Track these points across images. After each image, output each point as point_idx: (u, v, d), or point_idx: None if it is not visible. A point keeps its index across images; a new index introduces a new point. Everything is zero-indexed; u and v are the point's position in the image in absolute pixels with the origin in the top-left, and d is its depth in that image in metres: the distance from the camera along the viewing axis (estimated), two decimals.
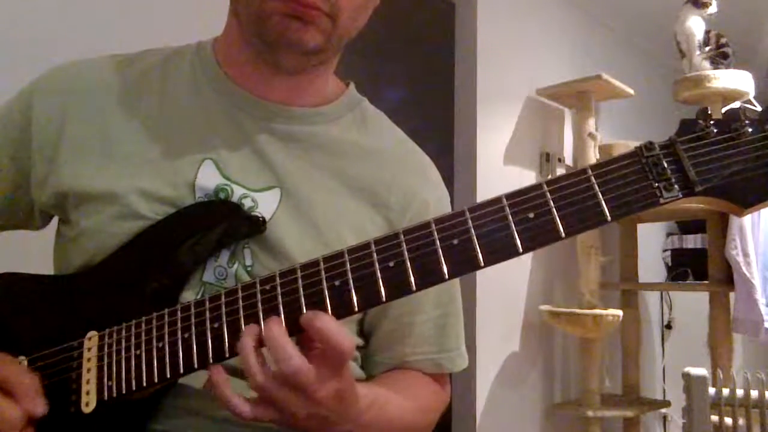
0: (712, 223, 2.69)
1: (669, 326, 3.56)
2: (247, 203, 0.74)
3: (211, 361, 0.62)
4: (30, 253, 0.93)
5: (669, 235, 3.52)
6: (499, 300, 2.58)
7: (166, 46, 0.86)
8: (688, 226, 3.41)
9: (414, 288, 0.58)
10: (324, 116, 0.81)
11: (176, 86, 0.80)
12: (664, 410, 3.00)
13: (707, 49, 2.66)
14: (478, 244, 0.57)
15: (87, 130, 0.77)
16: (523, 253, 0.56)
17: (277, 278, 0.61)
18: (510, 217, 0.57)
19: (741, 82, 2.57)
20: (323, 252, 0.61)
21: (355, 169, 0.80)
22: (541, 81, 2.82)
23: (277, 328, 0.58)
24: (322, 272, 0.60)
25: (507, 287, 2.63)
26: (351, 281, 0.59)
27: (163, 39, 0.91)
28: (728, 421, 1.69)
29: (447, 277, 0.57)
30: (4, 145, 0.79)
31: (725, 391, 1.70)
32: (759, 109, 0.56)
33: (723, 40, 2.67)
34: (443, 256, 0.57)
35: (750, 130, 0.55)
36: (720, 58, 2.65)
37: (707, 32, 2.66)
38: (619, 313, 2.48)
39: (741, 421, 1.69)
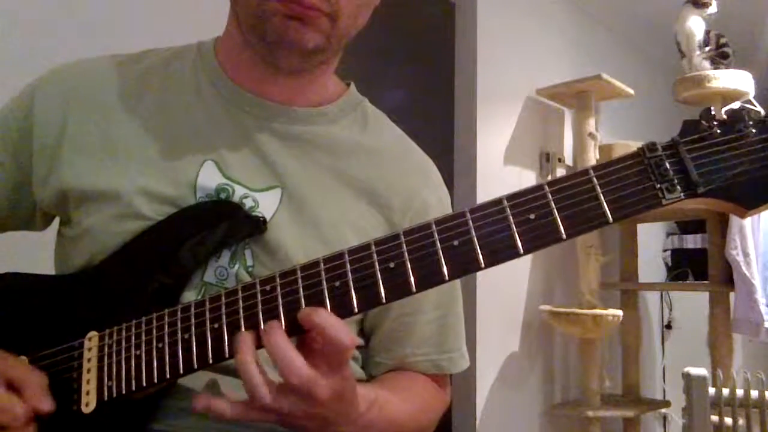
0: (712, 223, 2.69)
1: (669, 326, 3.56)
2: (248, 203, 0.74)
3: (211, 361, 0.62)
4: (31, 253, 0.93)
5: (669, 235, 3.52)
6: (499, 300, 2.58)
7: (166, 46, 0.86)
8: (688, 226, 3.41)
9: (414, 289, 0.58)
10: (325, 116, 0.81)
11: (177, 86, 0.80)
12: (664, 410, 2.99)
13: (707, 49, 2.65)
14: (479, 245, 0.57)
15: (88, 129, 0.77)
16: (524, 254, 0.56)
17: (277, 279, 0.61)
18: (511, 218, 0.57)
19: (741, 82, 2.57)
20: (324, 252, 0.61)
21: (355, 169, 0.80)
22: (541, 81, 2.82)
23: (280, 338, 0.58)
24: (323, 273, 0.60)
25: (507, 287, 2.63)
26: (351, 282, 0.59)
27: (163, 39, 0.91)
28: (728, 421, 1.69)
29: (447, 278, 0.57)
30: (6, 145, 0.80)
31: (725, 391, 1.70)
32: (759, 108, 0.55)
33: (723, 40, 2.67)
34: (444, 258, 0.57)
35: (754, 131, 0.55)
36: (720, 58, 2.64)
37: (707, 32, 2.66)
38: (619, 313, 2.48)
39: (741, 421, 1.69)
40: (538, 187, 0.57)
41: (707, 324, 2.61)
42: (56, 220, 0.84)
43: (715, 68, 2.62)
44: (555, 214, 0.56)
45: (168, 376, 0.63)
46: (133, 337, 0.66)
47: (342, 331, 0.57)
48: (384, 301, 0.59)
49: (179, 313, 0.65)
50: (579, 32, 3.16)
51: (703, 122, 0.56)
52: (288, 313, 0.60)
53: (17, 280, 0.77)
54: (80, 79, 0.80)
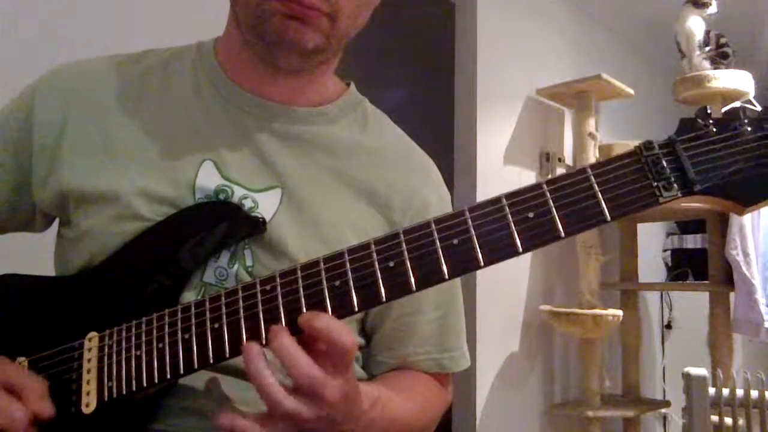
0: (712, 223, 2.69)
1: (669, 326, 3.56)
2: (247, 204, 0.74)
3: (211, 361, 0.62)
4: (30, 254, 0.93)
5: (669, 235, 3.52)
6: (499, 300, 2.58)
7: (166, 46, 0.86)
8: (688, 226, 3.41)
9: (414, 288, 0.58)
10: (325, 116, 0.82)
11: (177, 86, 0.80)
12: (664, 410, 2.99)
13: (707, 49, 2.65)
14: (478, 243, 0.57)
15: (88, 130, 0.77)
16: (522, 252, 0.56)
17: (278, 278, 0.61)
18: (510, 216, 0.57)
19: (741, 82, 2.57)
20: (324, 252, 0.61)
21: (355, 169, 0.80)
22: (541, 81, 2.82)
23: (287, 339, 0.57)
24: (323, 272, 0.60)
25: (507, 287, 2.63)
26: (351, 281, 0.59)
27: (163, 39, 0.91)
28: (728, 421, 1.69)
29: (447, 277, 0.57)
30: (5, 146, 0.80)
31: (725, 391, 1.70)
32: (759, 108, 0.55)
33: (723, 40, 2.67)
34: (443, 256, 0.57)
35: (749, 129, 0.55)
36: (720, 58, 2.64)
37: (707, 32, 2.66)
38: (619, 313, 2.48)
39: (741, 421, 1.69)
40: (537, 186, 0.57)
41: (707, 324, 2.61)
42: (56, 222, 0.84)
43: (715, 68, 2.62)
44: (553, 212, 0.56)
45: (168, 376, 0.63)
46: (133, 338, 0.66)
47: (345, 333, 0.57)
48: (384, 300, 0.59)
49: (179, 313, 0.65)
50: (579, 32, 3.16)
51: (700, 121, 0.56)
52: (288, 313, 0.60)
53: (17, 281, 0.77)
54: (80, 79, 0.80)
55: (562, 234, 0.56)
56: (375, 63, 2.27)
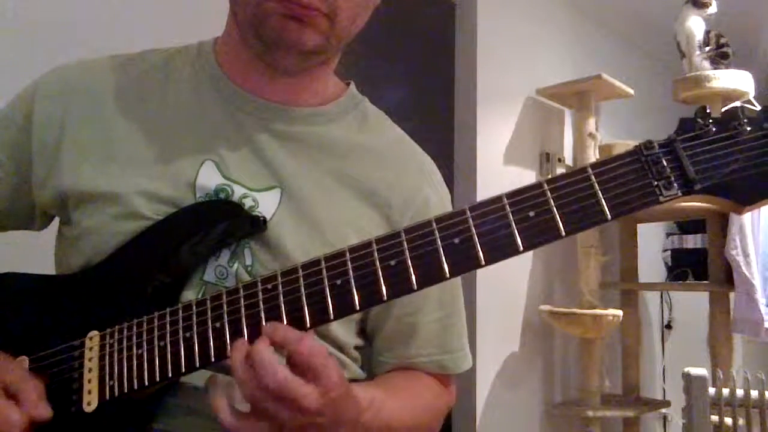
0: (712, 223, 2.69)
1: (669, 326, 3.55)
2: (248, 203, 0.74)
3: (212, 360, 0.62)
4: (31, 253, 0.93)
5: (669, 235, 3.52)
6: (499, 300, 2.58)
7: (166, 46, 0.86)
8: (687, 226, 3.41)
9: (415, 287, 0.58)
10: (324, 116, 0.82)
11: (177, 86, 0.80)
12: (664, 410, 2.99)
13: (707, 49, 2.65)
14: (479, 242, 0.57)
15: (88, 130, 0.77)
16: (523, 251, 0.57)
17: (279, 277, 0.62)
18: (510, 215, 0.57)
19: (741, 82, 2.57)
20: (323, 252, 0.61)
21: (355, 169, 0.80)
22: (541, 81, 2.82)
23: (262, 345, 0.58)
24: (324, 271, 0.60)
25: (507, 287, 2.63)
26: (352, 280, 0.59)
27: (163, 39, 0.91)
28: (728, 421, 1.69)
29: (448, 275, 0.58)
30: (5, 146, 0.80)
31: (725, 391, 1.70)
32: (758, 108, 0.56)
33: (723, 40, 2.67)
34: (444, 255, 0.58)
35: (749, 128, 0.55)
36: (720, 58, 2.64)
37: (707, 32, 2.66)
38: (619, 313, 2.48)
39: (741, 421, 1.69)
40: (537, 185, 0.58)
41: (707, 324, 2.61)
42: (56, 220, 0.84)
43: (715, 68, 2.62)
44: (554, 211, 0.56)
45: (170, 374, 0.63)
46: (134, 337, 0.66)
47: (304, 342, 0.57)
48: (385, 298, 0.59)
49: (180, 312, 0.65)
50: (579, 32, 3.16)
51: (699, 120, 0.56)
52: (290, 312, 0.60)
53: (18, 280, 0.78)
54: (80, 79, 0.80)
55: (563, 233, 0.56)
56: (375, 63, 2.27)
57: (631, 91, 2.78)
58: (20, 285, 0.77)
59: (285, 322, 0.60)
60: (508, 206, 0.57)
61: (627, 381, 2.91)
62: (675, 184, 0.55)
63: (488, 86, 2.63)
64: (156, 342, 0.65)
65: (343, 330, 0.78)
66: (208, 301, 0.64)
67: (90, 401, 0.66)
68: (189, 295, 0.72)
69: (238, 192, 0.74)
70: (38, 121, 0.78)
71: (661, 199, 0.55)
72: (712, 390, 1.68)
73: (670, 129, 0.58)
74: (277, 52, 0.73)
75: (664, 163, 0.56)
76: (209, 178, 0.74)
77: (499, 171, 2.66)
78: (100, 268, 0.73)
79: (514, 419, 2.65)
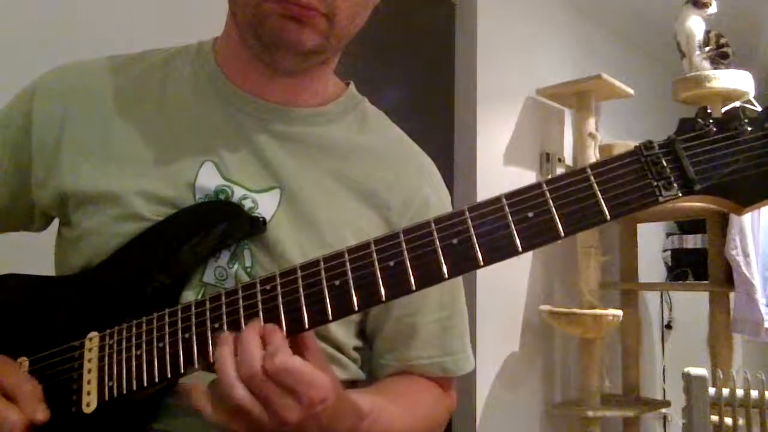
0: (712, 223, 2.69)
1: (669, 326, 3.56)
2: (247, 204, 0.74)
3: (212, 361, 0.62)
4: (31, 254, 0.93)
5: (669, 235, 3.52)
6: (499, 300, 2.58)
7: (166, 46, 0.86)
8: (688, 226, 3.41)
9: (414, 288, 0.58)
10: (324, 116, 0.81)
11: (176, 87, 0.80)
12: (664, 410, 2.99)
13: (707, 49, 2.65)
14: (478, 243, 0.57)
15: (87, 131, 0.77)
16: (522, 252, 0.56)
17: (278, 278, 0.62)
18: (509, 216, 0.57)
19: (741, 82, 2.57)
20: (322, 253, 0.61)
21: (355, 170, 0.80)
22: (541, 81, 2.82)
23: (250, 331, 0.58)
24: (322, 272, 0.60)
25: (507, 287, 2.63)
26: (351, 281, 0.59)
27: (163, 39, 0.91)
28: (728, 421, 1.69)
29: (447, 276, 0.57)
30: (4, 146, 0.80)
31: (725, 391, 1.70)
32: (759, 108, 0.55)
33: (723, 40, 2.67)
34: (443, 256, 0.57)
35: (749, 128, 0.55)
36: (720, 58, 2.64)
37: (707, 32, 2.66)
38: (619, 313, 2.48)
39: (741, 421, 1.69)
40: (537, 186, 0.57)
41: (707, 324, 2.61)
42: (55, 221, 0.84)
43: (715, 68, 2.62)
44: (553, 212, 0.56)
45: (169, 375, 0.63)
46: (133, 337, 0.66)
47: (274, 354, 0.56)
48: (384, 299, 0.58)
49: (180, 312, 0.65)
50: (579, 32, 3.16)
51: (700, 120, 0.56)
52: (288, 313, 0.60)
53: (17, 281, 0.77)
54: (79, 79, 0.80)
55: (562, 233, 0.56)
56: (375, 63, 2.27)
57: (631, 91, 2.78)
58: (20, 286, 0.77)
59: (284, 323, 0.59)
60: (506, 207, 0.57)
61: (627, 381, 2.91)
62: (675, 185, 0.55)
63: (488, 86, 2.63)
64: (155, 343, 0.65)
65: (343, 331, 0.78)
66: (207, 302, 0.64)
67: (89, 402, 0.66)
68: (188, 296, 0.71)
69: (237, 193, 0.74)
70: (38, 120, 0.78)
71: (661, 199, 0.55)
72: (712, 390, 1.69)
73: (670, 129, 0.58)
74: (277, 52, 0.73)
75: (664, 163, 0.55)
76: (209, 179, 0.74)
77: (499, 171, 2.66)
78: (100, 269, 0.73)
79: (514, 419, 2.65)
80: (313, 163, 0.78)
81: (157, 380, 0.64)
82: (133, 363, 0.65)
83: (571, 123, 2.94)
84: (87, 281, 0.74)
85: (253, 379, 0.56)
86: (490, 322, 2.51)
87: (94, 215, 0.74)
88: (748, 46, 3.34)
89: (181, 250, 0.71)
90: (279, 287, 0.61)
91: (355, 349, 0.82)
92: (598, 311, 2.48)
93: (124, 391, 0.65)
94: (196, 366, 0.62)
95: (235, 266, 0.73)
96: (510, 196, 0.58)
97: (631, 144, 0.57)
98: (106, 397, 0.66)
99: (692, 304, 3.09)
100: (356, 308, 0.59)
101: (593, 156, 2.66)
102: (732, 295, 2.58)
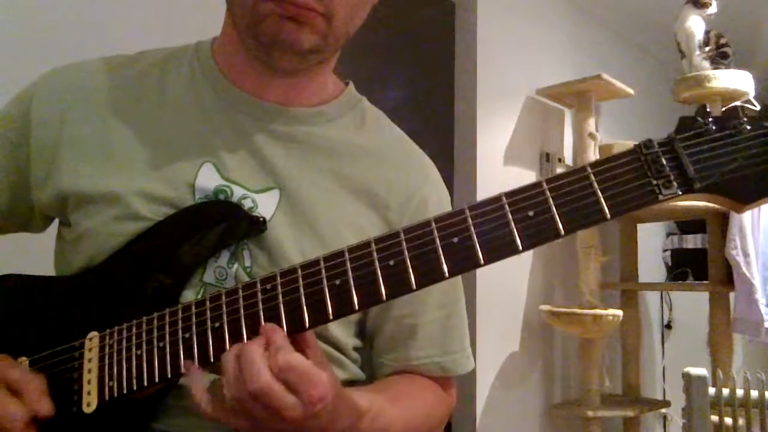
0: (712, 223, 2.69)
1: (669, 326, 3.56)
2: (247, 203, 0.74)
3: (211, 360, 0.62)
4: (31, 254, 0.93)
5: (669, 235, 3.52)
6: (499, 300, 2.58)
7: (166, 46, 0.86)
8: (688, 226, 3.41)
9: (414, 287, 0.58)
10: (323, 116, 0.81)
11: (175, 87, 0.80)
12: (664, 410, 2.99)
13: (707, 49, 2.66)
14: (478, 242, 0.57)
15: (86, 131, 0.77)
16: (522, 251, 0.56)
17: (278, 278, 0.61)
18: (510, 215, 0.57)
19: (741, 82, 2.57)
20: (321, 253, 0.61)
21: (354, 170, 0.80)
22: (541, 81, 2.82)
23: (253, 345, 0.58)
24: (323, 271, 0.60)
25: (507, 287, 2.63)
26: (351, 280, 0.59)
27: (163, 39, 0.91)
28: (728, 421, 1.69)
29: (447, 275, 0.57)
30: (3, 147, 0.79)
31: (725, 391, 1.70)
32: (758, 108, 0.56)
33: (723, 40, 2.67)
34: (443, 255, 0.57)
35: (748, 127, 0.55)
36: (720, 58, 2.65)
37: (707, 32, 2.66)
38: (619, 313, 2.48)
39: (741, 421, 1.69)
40: (537, 185, 0.57)
41: (707, 324, 2.61)
42: (55, 222, 0.84)
43: (715, 68, 2.62)
44: (553, 210, 0.56)
45: (169, 375, 0.63)
46: (133, 337, 0.66)
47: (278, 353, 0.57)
48: (384, 298, 0.58)
49: (180, 312, 0.65)
50: (579, 32, 3.16)
51: (699, 119, 0.56)
52: (289, 312, 0.60)
53: (18, 281, 0.78)
54: (78, 80, 0.80)
55: (562, 232, 0.56)
56: (375, 63, 2.27)
57: (631, 91, 2.79)
58: (21, 286, 0.77)
59: (284, 323, 0.59)
60: (507, 206, 0.57)
61: (627, 381, 2.91)
62: (674, 183, 0.55)
63: (488, 86, 2.63)
64: (155, 343, 0.65)
65: (342, 331, 0.78)
66: (207, 302, 0.64)
67: (89, 402, 0.66)
68: (189, 296, 0.71)
69: (237, 193, 0.74)
70: (36, 122, 0.78)
71: (661, 198, 0.55)
72: (712, 390, 1.68)
73: (670, 129, 0.58)
74: (275, 52, 0.73)
75: (664, 162, 0.55)
76: (208, 180, 0.74)
77: (499, 171, 2.66)
78: (100, 269, 0.73)
79: (514, 419, 2.65)
80: (312, 163, 0.78)
81: (157, 380, 0.64)
82: (133, 363, 0.65)
83: (571, 123, 2.94)
84: (87, 281, 0.74)
85: (261, 393, 0.56)
86: (490, 322, 2.51)
87: (94, 215, 0.74)
88: (748, 46, 3.34)
89: (181, 250, 0.71)
90: (279, 287, 0.61)
91: (355, 348, 0.82)
92: (598, 311, 2.48)
93: (124, 391, 0.65)
94: (196, 366, 0.62)
95: (235, 266, 0.73)
96: (510, 195, 0.58)
97: (631, 144, 0.57)
98: (107, 397, 0.66)
99: (692, 304, 3.10)
100: (357, 307, 0.59)
101: (593, 156, 2.66)
102: (732, 295, 2.58)
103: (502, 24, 2.73)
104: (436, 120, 2.63)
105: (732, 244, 2.51)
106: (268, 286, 0.62)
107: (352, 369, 0.81)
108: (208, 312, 0.63)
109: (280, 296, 0.61)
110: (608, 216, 0.55)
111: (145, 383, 0.64)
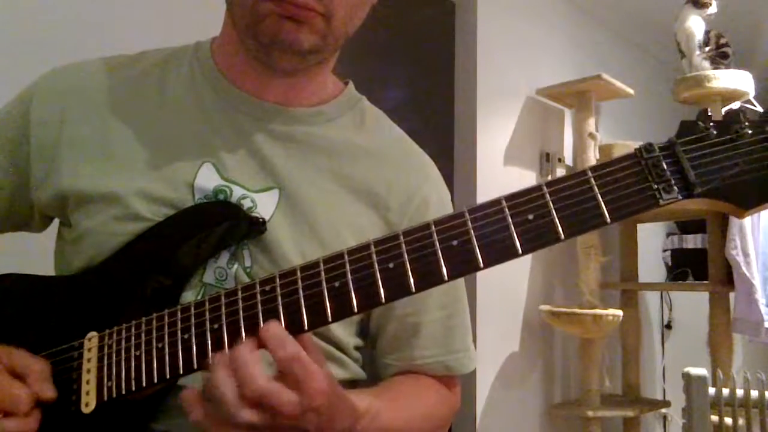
0: (712, 223, 2.69)
1: (669, 326, 3.56)
2: (246, 204, 0.74)
3: (211, 361, 0.61)
4: (31, 254, 0.93)
5: (669, 235, 3.52)
6: (499, 300, 2.58)
7: (166, 46, 0.86)
8: (688, 226, 3.40)
9: (413, 289, 0.58)
10: (323, 116, 0.81)
11: (175, 87, 0.80)
12: (664, 410, 3.00)
13: (707, 49, 2.65)
14: (478, 245, 0.57)
15: (86, 131, 0.77)
16: (522, 254, 0.56)
17: (277, 279, 0.61)
18: (509, 218, 0.57)
19: (741, 82, 2.57)
20: (320, 254, 0.61)
21: (353, 170, 0.80)
22: (541, 81, 2.82)
23: (244, 347, 0.57)
24: (322, 273, 0.60)
25: (507, 287, 2.63)
26: (350, 282, 0.59)
27: (163, 39, 0.91)
28: (728, 421, 1.69)
29: (446, 278, 0.57)
30: (3, 147, 0.79)
31: (725, 391, 1.70)
32: (759, 109, 0.55)
33: (723, 40, 2.67)
34: (443, 258, 0.57)
35: (750, 131, 0.55)
36: (720, 58, 2.64)
37: (707, 32, 2.66)
38: (619, 313, 2.48)
39: (741, 421, 1.69)
40: (537, 188, 0.57)
41: (707, 324, 2.61)
42: (55, 221, 0.84)
43: (715, 68, 2.62)
44: (553, 214, 0.56)
45: (168, 376, 0.63)
46: (132, 338, 0.66)
47: (279, 346, 0.56)
48: (384, 301, 0.58)
49: (179, 313, 0.65)
50: (579, 32, 3.16)
51: (700, 123, 0.56)
52: (288, 314, 0.60)
53: (17, 281, 0.77)
54: (78, 80, 0.80)
55: (562, 236, 0.55)
56: (375, 63, 2.27)
57: (631, 91, 2.79)
58: (20, 286, 0.77)
59: (283, 324, 0.59)
60: (506, 209, 0.57)
61: (627, 381, 2.91)
62: (675, 188, 0.55)
63: (488, 86, 2.63)
64: (154, 343, 0.65)
65: (343, 331, 0.78)
66: (207, 303, 0.63)
67: (88, 402, 0.66)
68: (188, 296, 0.71)
69: (236, 193, 0.74)
70: (36, 122, 0.78)
71: (661, 202, 0.55)
72: (712, 390, 1.68)
73: (670, 129, 0.57)
74: (274, 52, 0.73)
75: (664, 166, 0.55)
76: (208, 180, 0.74)
77: (499, 171, 2.66)
78: (100, 269, 0.73)
79: (514, 419, 2.65)
80: (312, 163, 0.78)
81: (156, 381, 0.64)
82: (132, 363, 0.65)
83: (571, 123, 2.93)
84: (86, 281, 0.74)
85: (255, 397, 0.55)
86: (490, 322, 2.51)
87: (94, 215, 0.74)
88: (748, 46, 3.34)
89: (180, 251, 0.71)
90: (278, 288, 0.61)
91: (356, 348, 0.82)
92: (598, 311, 2.48)
93: (123, 392, 0.65)
94: (195, 367, 0.62)
95: (235, 266, 0.73)
96: (510, 198, 0.58)
97: (631, 144, 0.57)
98: (105, 398, 0.66)
99: (692, 304, 3.09)
100: (356, 310, 0.59)
101: (593, 156, 2.66)
102: (732, 295, 2.58)
103: (502, 24, 2.73)
104: (436, 120, 2.63)
105: (732, 244, 2.51)
106: (267, 288, 0.61)
107: (354, 368, 0.81)
108: (207, 313, 0.63)
109: (279, 298, 0.61)
110: (608, 220, 0.55)
111: (144, 384, 0.64)
